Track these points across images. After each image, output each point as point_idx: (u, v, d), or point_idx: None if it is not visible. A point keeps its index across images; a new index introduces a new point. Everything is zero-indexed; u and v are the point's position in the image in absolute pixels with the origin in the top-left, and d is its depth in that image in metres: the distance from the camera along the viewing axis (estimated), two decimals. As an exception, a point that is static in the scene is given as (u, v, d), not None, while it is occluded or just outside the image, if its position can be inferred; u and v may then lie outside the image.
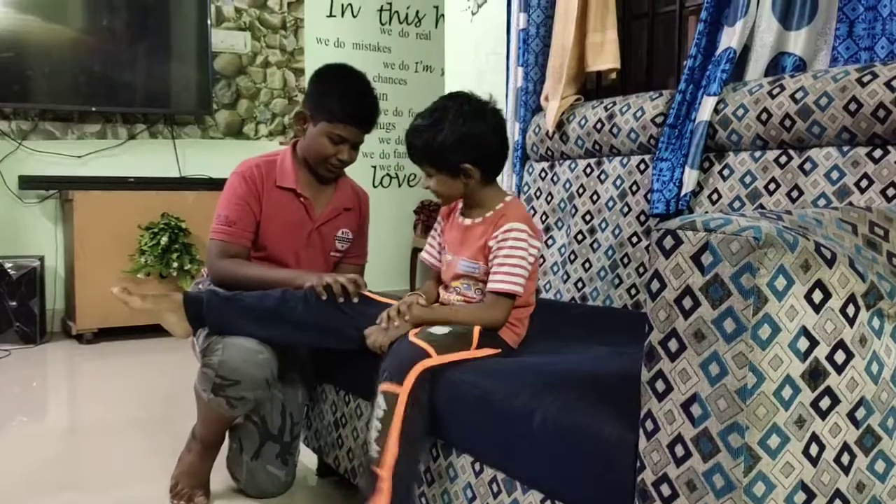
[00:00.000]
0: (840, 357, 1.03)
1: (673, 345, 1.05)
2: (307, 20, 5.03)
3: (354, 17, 5.26)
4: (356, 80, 2.05)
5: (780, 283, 0.98)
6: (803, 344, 1.00)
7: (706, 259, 1.01)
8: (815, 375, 1.01)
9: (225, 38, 4.74)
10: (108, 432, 2.63)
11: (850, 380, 1.04)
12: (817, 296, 1.01)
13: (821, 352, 1.02)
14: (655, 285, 1.07)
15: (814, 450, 1.02)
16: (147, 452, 2.39)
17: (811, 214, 1.15)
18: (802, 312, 1.00)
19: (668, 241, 1.05)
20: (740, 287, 0.97)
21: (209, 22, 4.56)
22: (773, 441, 0.99)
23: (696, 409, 1.02)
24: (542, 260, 2.47)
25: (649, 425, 1.08)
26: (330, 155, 2.00)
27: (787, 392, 0.99)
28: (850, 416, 1.05)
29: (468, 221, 1.74)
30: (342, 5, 5.22)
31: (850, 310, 1.04)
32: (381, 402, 1.49)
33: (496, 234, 1.65)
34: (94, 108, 4.32)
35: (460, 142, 1.64)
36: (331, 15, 5.18)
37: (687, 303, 1.03)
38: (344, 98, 1.98)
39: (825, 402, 1.03)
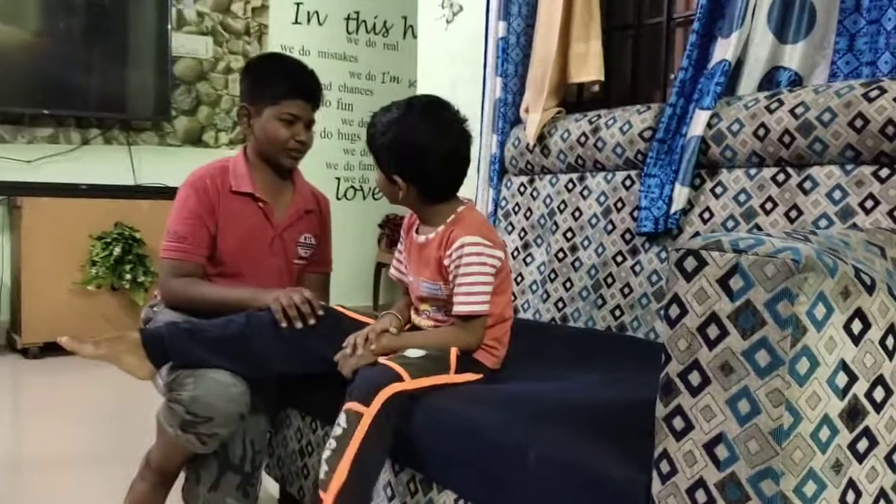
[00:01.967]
0: (879, 394, 0.94)
1: (695, 378, 0.94)
2: (272, 26, 4.89)
3: (321, 24, 5.14)
4: (288, 58, 2.04)
5: (820, 311, 0.88)
6: (842, 380, 0.90)
7: (735, 283, 0.90)
8: (853, 415, 0.92)
9: (186, 42, 4.58)
10: (54, 457, 2.47)
11: (889, 419, 0.95)
12: (856, 326, 0.91)
13: (860, 388, 0.92)
14: (675, 311, 0.96)
15: (850, 497, 0.92)
16: (95, 478, 2.24)
17: (837, 235, 1.06)
18: (841, 344, 0.90)
19: (690, 263, 0.95)
20: (776, 315, 0.87)
21: (169, 25, 4.40)
22: (809, 488, 0.88)
23: (721, 451, 0.91)
24: (521, 277, 2.36)
25: (665, 467, 0.97)
26: (286, 138, 1.91)
27: (824, 433, 0.89)
28: (888, 458, 0.96)
29: (422, 239, 1.63)
30: (308, 12, 5.09)
31: (890, 341, 0.95)
32: (342, 420, 1.38)
33: (449, 252, 1.53)
34: (46, 111, 4.13)
35: (398, 152, 1.54)
36: (296, 22, 5.04)
37: (712, 331, 0.92)
38: (282, 76, 1.93)
39: (863, 444, 0.93)
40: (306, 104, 1.93)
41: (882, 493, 0.95)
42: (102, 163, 4.33)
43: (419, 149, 1.53)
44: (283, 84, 1.90)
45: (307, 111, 1.93)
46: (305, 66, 1.98)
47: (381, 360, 1.48)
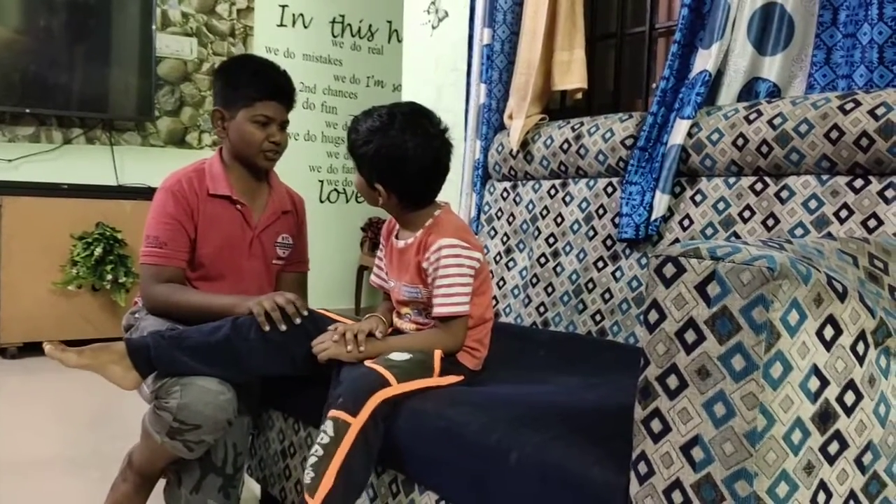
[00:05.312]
0: (850, 398, 0.97)
1: (672, 381, 0.96)
2: (257, 28, 4.88)
3: (306, 27, 5.14)
4: (260, 59, 2.01)
5: (793, 317, 0.90)
6: (814, 384, 0.93)
7: (713, 290, 0.93)
8: (824, 418, 0.94)
9: (170, 42, 4.57)
10: (31, 458, 2.45)
11: (858, 423, 0.98)
12: (828, 332, 0.94)
13: (831, 392, 0.95)
14: (654, 316, 0.98)
15: (821, 498, 0.95)
16: (73, 480, 2.23)
17: (812, 244, 1.08)
18: (814, 350, 0.93)
19: (669, 269, 0.97)
20: (751, 321, 0.90)
21: (154, 26, 4.39)
22: (782, 489, 0.91)
23: (697, 453, 0.94)
24: (503, 282, 2.38)
25: (643, 468, 1.00)
26: (261, 140, 1.90)
27: (796, 436, 0.92)
28: (858, 461, 0.98)
29: (401, 244, 1.65)
30: (293, 15, 5.09)
31: (860, 347, 0.98)
32: (329, 429, 1.38)
33: (427, 255, 1.56)
34: (27, 110, 4.10)
35: (381, 162, 1.56)
36: (281, 24, 5.05)
37: (690, 336, 0.95)
38: (255, 77, 1.91)
39: (834, 447, 0.96)
40: (280, 105, 1.92)
41: (852, 495, 0.98)
42: (84, 162, 4.31)
43: (401, 160, 1.54)
44: (255, 86, 1.89)
45: (281, 112, 1.92)
46: (278, 67, 1.97)
47: (367, 362, 1.49)
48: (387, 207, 1.63)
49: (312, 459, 1.37)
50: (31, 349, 3.74)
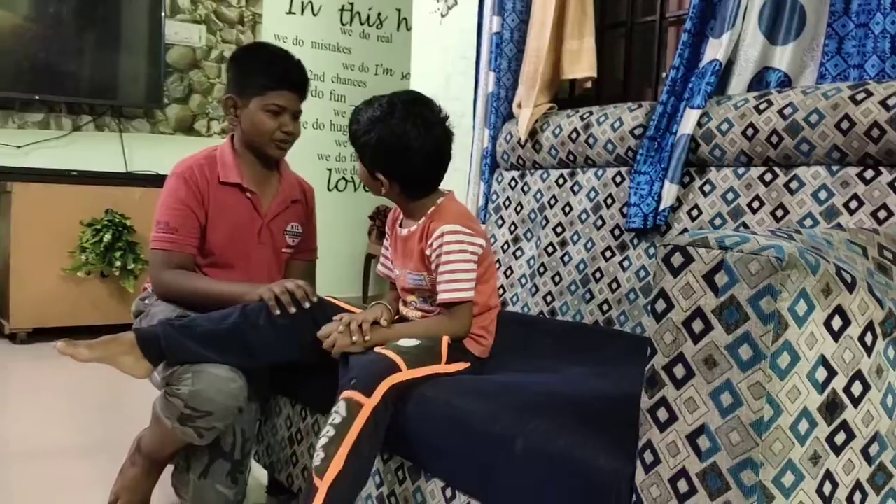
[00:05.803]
0: (857, 389, 0.96)
1: (679, 371, 0.96)
2: (266, 16, 4.88)
3: (315, 15, 5.14)
4: (275, 48, 2.00)
5: (801, 307, 0.90)
6: (821, 374, 0.93)
7: (720, 279, 0.93)
8: (831, 408, 0.94)
9: (179, 30, 4.57)
10: (40, 443, 2.47)
11: (865, 413, 0.98)
12: (836, 323, 0.94)
13: (839, 383, 0.95)
14: (661, 305, 0.98)
15: (827, 488, 0.95)
16: (82, 465, 2.24)
17: (821, 234, 1.08)
18: (822, 340, 0.93)
19: (677, 259, 0.97)
20: (759, 311, 0.89)
21: (163, 13, 4.39)
22: (788, 479, 0.91)
23: (703, 442, 0.94)
24: (510, 271, 2.39)
25: (648, 457, 1.00)
26: (273, 129, 1.90)
27: (803, 426, 0.92)
28: (864, 452, 0.98)
29: (405, 232, 1.65)
30: (302, 3, 5.09)
31: (869, 338, 0.97)
32: (342, 409, 1.38)
33: (430, 241, 1.56)
34: (37, 97, 4.12)
35: (383, 151, 1.56)
36: (290, 12, 5.04)
37: (697, 326, 0.95)
38: (269, 66, 1.91)
39: (840, 437, 0.96)
40: (293, 95, 1.92)
41: (858, 486, 0.98)
42: (93, 149, 4.33)
43: (402, 149, 1.54)
44: (269, 75, 1.89)
45: (294, 102, 1.92)
46: (292, 57, 1.96)
47: (377, 348, 1.50)
48: (389, 196, 1.64)
49: (323, 441, 1.38)
50: (41, 335, 3.77)
